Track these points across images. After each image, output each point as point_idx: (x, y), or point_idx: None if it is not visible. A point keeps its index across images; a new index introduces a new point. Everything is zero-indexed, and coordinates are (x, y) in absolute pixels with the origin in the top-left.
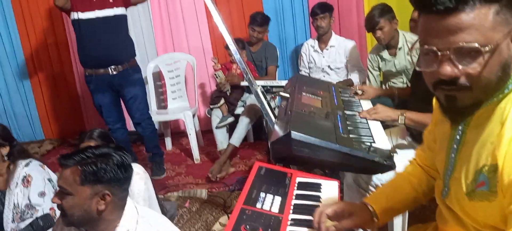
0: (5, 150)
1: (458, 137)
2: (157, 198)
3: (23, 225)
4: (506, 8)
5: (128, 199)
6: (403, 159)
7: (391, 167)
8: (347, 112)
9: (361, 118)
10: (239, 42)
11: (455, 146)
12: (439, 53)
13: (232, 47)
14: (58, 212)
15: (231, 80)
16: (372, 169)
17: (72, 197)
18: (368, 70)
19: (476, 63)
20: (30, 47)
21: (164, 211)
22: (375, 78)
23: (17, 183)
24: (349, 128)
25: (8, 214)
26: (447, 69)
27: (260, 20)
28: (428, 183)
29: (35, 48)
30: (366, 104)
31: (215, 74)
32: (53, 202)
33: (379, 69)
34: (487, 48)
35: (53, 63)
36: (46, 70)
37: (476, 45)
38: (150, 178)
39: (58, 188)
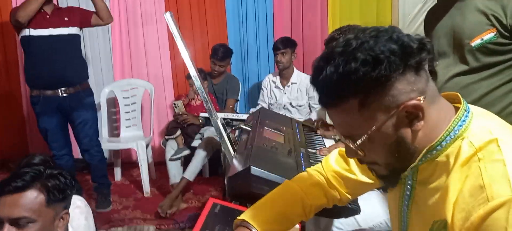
0: None
1: (407, 193)
2: None
3: None
4: (372, 98)
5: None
6: (369, 201)
7: (356, 211)
8: (310, 150)
9: (321, 155)
10: (200, 72)
11: (406, 203)
12: None
13: (193, 73)
14: None
15: (189, 119)
16: (334, 212)
17: (35, 224)
18: None
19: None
20: None
21: None
22: None
23: None
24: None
25: None
26: (347, 153)
27: (221, 54)
28: (319, 207)
29: None
30: (328, 142)
31: (174, 104)
32: None
33: None
34: (361, 140)
35: None
36: None
37: (349, 143)
38: (93, 211)
39: (6, 221)
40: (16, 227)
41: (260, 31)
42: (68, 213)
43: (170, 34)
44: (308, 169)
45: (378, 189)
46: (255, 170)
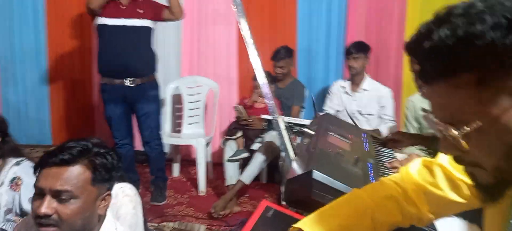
0: None
1: None
2: (146, 226)
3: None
4: (496, 74)
5: (109, 213)
6: (446, 224)
7: None
8: (379, 162)
9: (391, 169)
10: (266, 76)
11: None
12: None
13: (260, 74)
14: None
15: (255, 124)
16: None
17: (77, 200)
18: (405, 120)
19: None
20: (54, 51)
21: None
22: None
23: (3, 182)
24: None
25: None
26: (443, 147)
27: (281, 54)
28: (392, 225)
29: (60, 53)
30: (401, 157)
31: (235, 107)
32: (41, 214)
33: (419, 122)
34: (471, 128)
35: (74, 70)
36: (66, 75)
37: (451, 132)
38: (147, 204)
39: (48, 193)
40: (57, 201)
41: (331, 35)
42: (110, 195)
43: (239, 36)
44: (382, 179)
45: (459, 216)
46: (317, 175)
